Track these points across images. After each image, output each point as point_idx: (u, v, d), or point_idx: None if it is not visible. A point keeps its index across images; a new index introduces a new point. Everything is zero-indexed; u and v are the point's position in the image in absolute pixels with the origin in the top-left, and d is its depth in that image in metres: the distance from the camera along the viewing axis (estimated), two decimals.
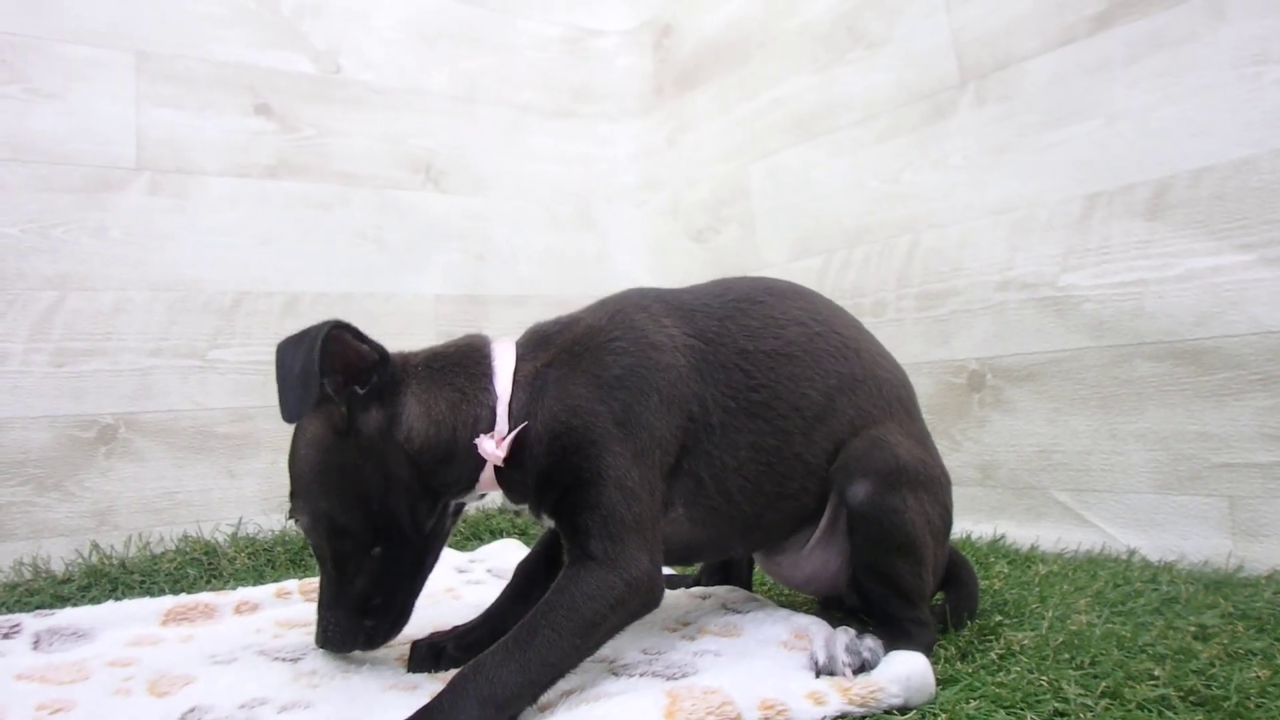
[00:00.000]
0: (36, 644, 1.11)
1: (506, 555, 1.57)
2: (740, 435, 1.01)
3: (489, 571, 1.50)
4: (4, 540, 1.66)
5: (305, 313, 2.03)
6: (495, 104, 2.42)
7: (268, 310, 1.99)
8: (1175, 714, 0.83)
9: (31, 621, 1.15)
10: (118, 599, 1.34)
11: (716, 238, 2.36)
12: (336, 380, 0.96)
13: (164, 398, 1.85)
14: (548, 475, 0.97)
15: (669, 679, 0.88)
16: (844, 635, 0.94)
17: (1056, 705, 0.84)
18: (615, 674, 0.93)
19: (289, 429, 1.00)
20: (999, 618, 1.12)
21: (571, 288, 2.38)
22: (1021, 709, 0.83)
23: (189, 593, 1.33)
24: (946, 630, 1.08)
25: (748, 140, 2.27)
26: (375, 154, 2.20)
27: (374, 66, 2.23)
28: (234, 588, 1.37)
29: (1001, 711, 0.84)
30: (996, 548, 1.57)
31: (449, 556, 1.54)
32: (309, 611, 1.20)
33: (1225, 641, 0.99)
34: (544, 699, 0.86)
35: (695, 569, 1.39)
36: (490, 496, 1.08)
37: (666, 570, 1.52)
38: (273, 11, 2.10)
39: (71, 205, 1.81)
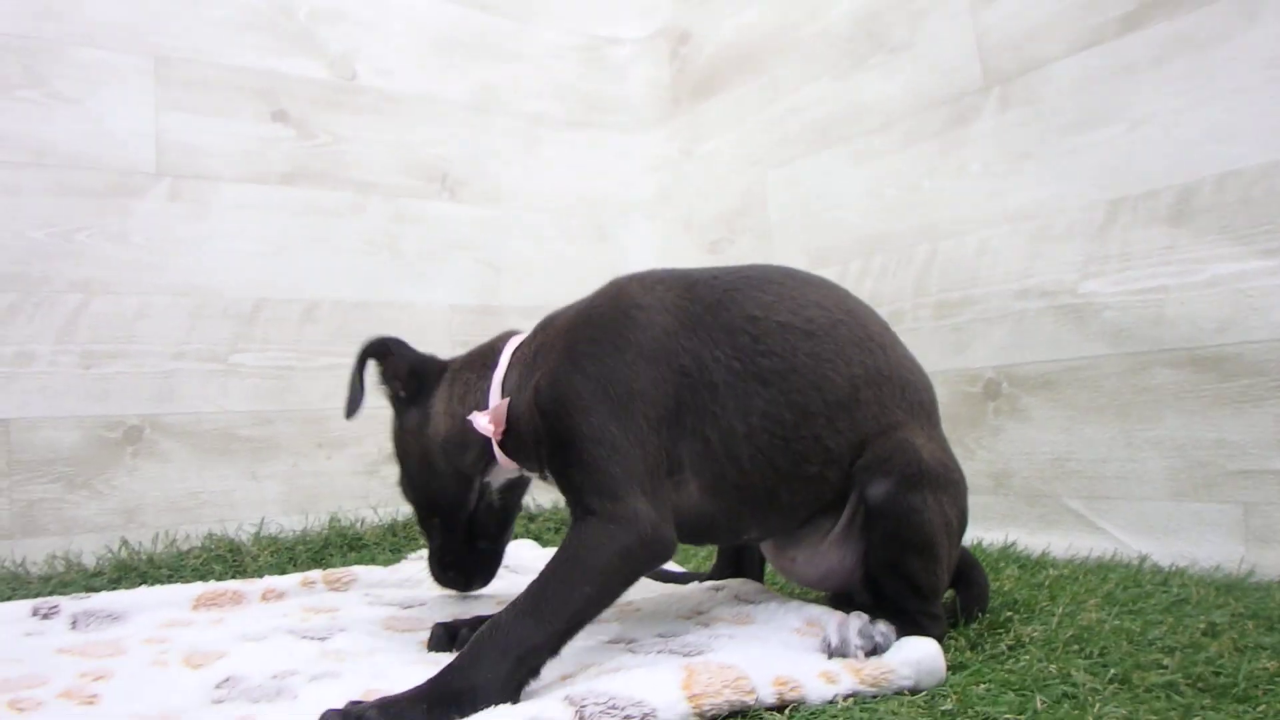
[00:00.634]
0: (74, 624, 1.15)
1: (522, 554, 1.61)
2: (751, 401, 1.02)
3: (507, 568, 1.53)
4: (37, 535, 1.71)
5: (324, 319, 2.06)
6: (510, 114, 2.43)
7: (286, 316, 2.02)
8: (1183, 699, 0.84)
9: (69, 604, 1.19)
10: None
11: (731, 249, 2.36)
12: (394, 386, 1.19)
13: (187, 400, 1.88)
14: (540, 441, 1.03)
15: (685, 655, 0.91)
16: (857, 620, 0.97)
17: (1065, 689, 0.85)
18: (633, 652, 0.95)
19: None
20: (1009, 614, 1.14)
21: None
22: (1030, 692, 0.85)
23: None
24: (957, 624, 1.10)
25: (764, 149, 2.26)
26: (390, 162, 2.21)
27: (389, 74, 2.24)
28: (261, 577, 1.41)
29: (1010, 693, 0.85)
30: (1007, 553, 1.58)
31: None
32: (334, 600, 1.30)
33: (1235, 636, 1.00)
34: (564, 669, 0.88)
35: (707, 567, 1.42)
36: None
37: (676, 567, 1.55)
38: (289, 17, 2.10)
39: (93, 210, 1.83)
